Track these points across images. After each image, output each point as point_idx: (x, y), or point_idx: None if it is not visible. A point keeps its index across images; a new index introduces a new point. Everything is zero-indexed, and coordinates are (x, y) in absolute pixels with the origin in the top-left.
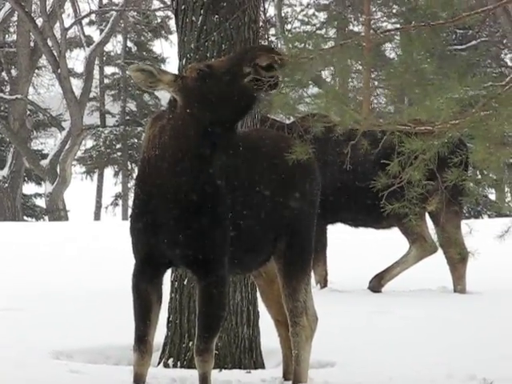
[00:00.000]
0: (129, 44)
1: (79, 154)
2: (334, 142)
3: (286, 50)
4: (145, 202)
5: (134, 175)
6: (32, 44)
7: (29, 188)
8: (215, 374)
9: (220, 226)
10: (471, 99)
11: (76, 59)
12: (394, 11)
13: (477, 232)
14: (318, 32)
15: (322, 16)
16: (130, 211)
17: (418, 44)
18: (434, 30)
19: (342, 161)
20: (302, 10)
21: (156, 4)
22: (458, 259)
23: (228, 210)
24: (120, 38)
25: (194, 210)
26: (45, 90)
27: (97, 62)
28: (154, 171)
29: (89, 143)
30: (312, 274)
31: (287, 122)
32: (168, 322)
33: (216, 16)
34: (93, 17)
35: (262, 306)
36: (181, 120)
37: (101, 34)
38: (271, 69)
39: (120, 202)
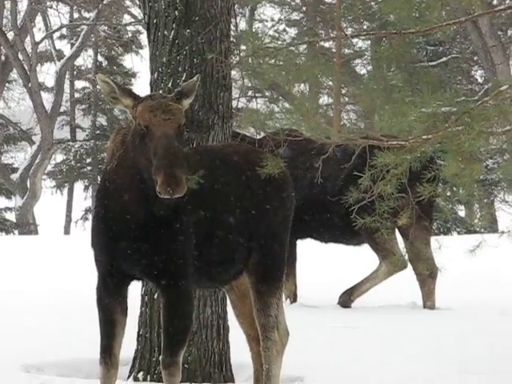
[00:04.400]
0: (99, 58)
1: (49, 168)
2: (303, 156)
3: (257, 64)
4: (104, 215)
5: None
6: (3, 57)
7: None
8: None
9: (180, 237)
10: (443, 114)
11: (47, 73)
12: (365, 27)
13: (446, 248)
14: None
15: (293, 32)
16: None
17: (387, 54)
18: (403, 43)
19: (312, 175)
20: (273, 26)
21: (127, 19)
22: (427, 275)
23: (190, 222)
24: (91, 52)
25: (152, 222)
26: (15, 104)
27: (67, 76)
28: (112, 183)
29: (59, 157)
30: None
31: (258, 137)
32: (138, 335)
33: (188, 30)
34: (64, 31)
35: (232, 321)
36: None
37: (71, 48)
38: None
39: (90, 216)
